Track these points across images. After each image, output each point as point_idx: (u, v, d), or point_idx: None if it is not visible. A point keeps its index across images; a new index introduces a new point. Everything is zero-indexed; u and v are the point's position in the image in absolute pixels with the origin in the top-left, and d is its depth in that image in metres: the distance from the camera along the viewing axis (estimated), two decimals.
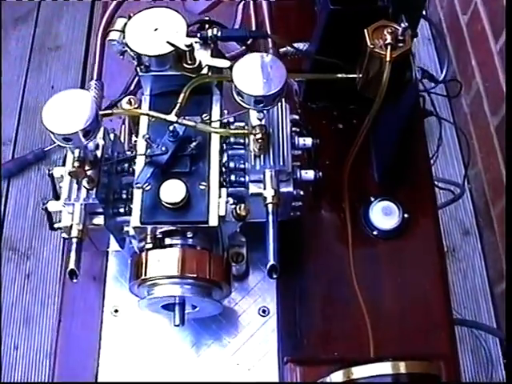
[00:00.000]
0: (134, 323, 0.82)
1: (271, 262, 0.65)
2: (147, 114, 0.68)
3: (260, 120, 0.66)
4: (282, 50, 0.94)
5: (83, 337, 0.83)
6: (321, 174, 0.76)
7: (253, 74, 0.62)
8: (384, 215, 0.89)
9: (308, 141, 0.77)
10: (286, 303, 0.84)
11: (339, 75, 0.75)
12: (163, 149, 0.68)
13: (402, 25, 0.68)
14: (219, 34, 0.74)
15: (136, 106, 0.76)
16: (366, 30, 0.71)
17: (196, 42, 0.73)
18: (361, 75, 0.76)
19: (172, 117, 0.66)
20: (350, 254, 0.85)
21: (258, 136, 0.65)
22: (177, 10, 0.72)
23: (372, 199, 0.90)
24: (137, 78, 0.82)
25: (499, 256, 1.71)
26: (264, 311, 0.83)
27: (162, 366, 0.81)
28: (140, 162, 0.70)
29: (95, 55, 0.79)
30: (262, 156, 0.69)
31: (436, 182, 1.71)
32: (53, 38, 2.20)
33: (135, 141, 0.75)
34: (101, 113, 0.65)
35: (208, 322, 0.81)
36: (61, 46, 2.18)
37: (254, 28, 0.93)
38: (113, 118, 0.85)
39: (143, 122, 0.74)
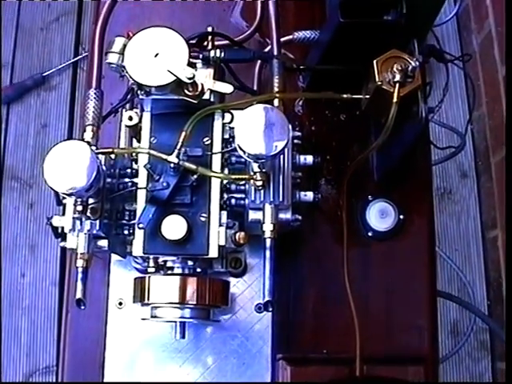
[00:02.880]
0: (138, 316, 0.86)
1: (266, 298, 0.68)
2: (148, 153, 0.68)
3: (260, 168, 0.66)
4: (287, 37, 0.92)
5: (90, 328, 0.88)
6: (320, 195, 0.77)
7: (255, 130, 0.62)
8: (380, 217, 0.91)
9: (309, 158, 0.77)
10: (281, 302, 0.88)
11: (344, 96, 0.74)
12: (164, 184, 0.68)
13: (413, 63, 0.66)
14: (223, 55, 0.72)
15: (137, 121, 0.75)
16: (375, 62, 0.69)
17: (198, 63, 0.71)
18: (367, 96, 0.75)
19: (173, 158, 0.66)
20: (344, 255, 0.88)
21: (259, 183, 0.66)
22: (178, 32, 0.70)
23: (370, 198, 0.92)
24: None
25: (494, 203, 1.74)
26: (260, 308, 0.87)
27: (163, 358, 0.86)
28: (141, 195, 0.71)
29: (92, 62, 0.76)
30: (262, 191, 0.70)
31: (438, 127, 1.71)
32: None
33: (136, 152, 0.75)
34: (100, 151, 0.65)
35: None
36: None
37: (259, 13, 0.90)
38: (112, 121, 0.85)
39: (144, 140, 0.74)
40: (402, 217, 0.91)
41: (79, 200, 0.64)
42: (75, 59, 1.93)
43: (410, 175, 0.93)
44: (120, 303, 0.87)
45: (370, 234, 0.91)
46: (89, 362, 0.87)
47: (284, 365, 0.85)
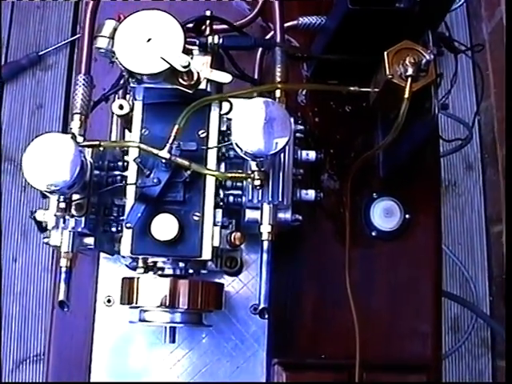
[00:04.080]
0: (128, 316, 0.82)
1: (262, 305, 0.64)
2: (138, 147, 0.63)
3: (258, 166, 0.61)
4: (291, 23, 0.86)
5: (77, 326, 0.84)
6: (322, 194, 0.72)
7: (254, 126, 0.56)
8: (385, 216, 0.86)
9: (312, 154, 0.72)
10: (278, 303, 0.83)
11: (351, 88, 0.69)
12: (155, 180, 0.64)
13: (427, 56, 0.61)
14: (221, 42, 0.67)
15: (128, 111, 0.70)
16: (385, 54, 0.64)
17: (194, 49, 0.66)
18: (376, 90, 0.69)
19: (164, 153, 0.61)
20: (346, 255, 0.83)
21: (257, 183, 0.61)
22: (173, 16, 0.64)
23: (374, 195, 0.87)
24: None
25: (499, 196, 1.69)
26: (255, 309, 0.83)
27: (154, 359, 0.82)
28: (131, 191, 0.66)
29: (82, 45, 0.71)
30: (260, 190, 0.65)
31: (444, 118, 1.66)
32: None
33: (125, 146, 0.70)
34: (86, 144, 0.60)
35: None
36: None
37: None
38: (104, 107, 0.80)
39: (135, 131, 0.69)
40: (407, 216, 0.86)
41: (62, 197, 0.59)
42: (72, 38, 1.87)
43: (418, 172, 0.88)
44: (109, 300, 0.83)
45: (373, 233, 0.86)
46: (74, 362, 0.83)
47: (280, 370, 0.81)
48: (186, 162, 0.62)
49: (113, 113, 0.74)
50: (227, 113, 0.72)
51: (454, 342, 1.63)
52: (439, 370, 0.82)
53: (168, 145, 0.61)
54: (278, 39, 0.70)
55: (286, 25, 0.78)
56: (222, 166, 0.71)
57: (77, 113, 0.69)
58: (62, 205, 0.59)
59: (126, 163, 0.70)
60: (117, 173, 0.70)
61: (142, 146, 0.62)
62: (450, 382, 1.59)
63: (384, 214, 0.86)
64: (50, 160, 0.56)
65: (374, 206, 0.86)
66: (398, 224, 0.86)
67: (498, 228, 1.68)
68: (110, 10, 0.78)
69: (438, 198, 0.88)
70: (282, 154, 0.66)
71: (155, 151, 0.61)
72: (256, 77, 0.82)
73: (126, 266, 0.79)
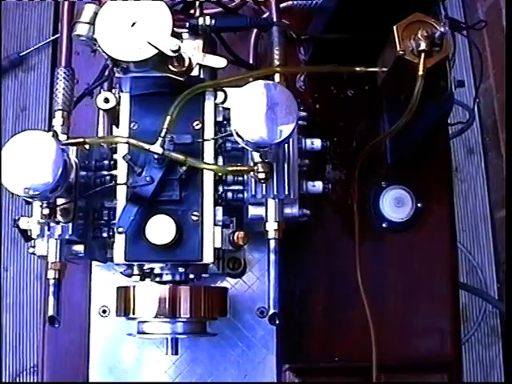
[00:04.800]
0: (126, 326, 0.76)
1: (272, 310, 0.58)
2: (127, 143, 0.57)
3: (262, 158, 0.55)
4: (286, 3, 0.80)
5: (71, 340, 0.78)
6: (330, 185, 0.66)
7: (255, 113, 0.51)
8: (395, 205, 0.81)
9: (317, 143, 0.67)
10: (285, 304, 0.77)
11: (357, 69, 0.63)
12: (148, 179, 0.58)
13: (441, 28, 0.55)
14: (213, 23, 0.61)
15: (114, 104, 0.64)
16: (395, 28, 0.58)
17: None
18: (384, 69, 0.63)
19: (157, 148, 0.55)
20: (356, 251, 0.78)
21: (261, 176, 0.55)
22: None
23: (383, 184, 0.82)
24: None
25: (502, 180, 1.65)
26: (262, 312, 0.77)
27: (155, 373, 0.76)
28: (121, 191, 0.60)
29: (62, 36, 0.65)
30: (264, 183, 0.59)
31: None
32: None
33: (113, 142, 0.64)
34: (69, 142, 0.54)
35: None
36: None
37: None
38: (89, 103, 0.74)
39: (123, 126, 0.63)
40: (419, 205, 0.81)
41: (45, 202, 0.53)
42: (54, 37, 1.80)
43: (427, 157, 0.82)
44: (104, 311, 0.77)
45: (384, 225, 0.81)
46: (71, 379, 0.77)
47: (291, 376, 0.76)
48: (181, 157, 0.56)
49: (98, 108, 0.69)
50: (222, 102, 0.66)
51: (464, 332, 1.59)
52: (460, 367, 0.77)
53: (160, 138, 0.55)
54: (275, 18, 0.64)
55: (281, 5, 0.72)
56: (220, 159, 0.65)
57: (59, 109, 0.64)
58: (46, 211, 0.53)
59: (114, 162, 0.64)
60: (105, 172, 0.64)
61: (132, 141, 0.56)
62: (470, 383, 1.55)
63: (395, 204, 0.81)
64: (29, 161, 0.50)
65: (384, 195, 0.81)
66: (409, 214, 0.81)
67: (503, 213, 1.63)
68: None
69: (450, 185, 0.83)
70: (287, 144, 0.60)
71: (146, 146, 0.56)
72: (251, 61, 0.76)
73: (121, 273, 0.73)
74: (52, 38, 1.81)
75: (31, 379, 1.63)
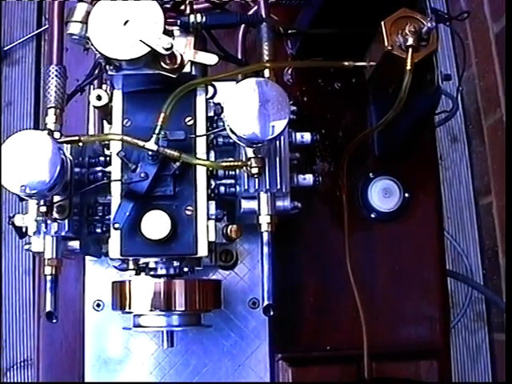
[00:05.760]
0: (119, 320, 0.77)
1: (266, 302, 0.59)
2: (121, 140, 0.58)
3: (255, 153, 0.56)
4: None
5: (65, 334, 0.79)
6: (320, 178, 0.68)
7: (249, 111, 0.52)
8: (383, 196, 0.82)
9: (306, 136, 0.68)
10: (278, 295, 0.79)
11: (346, 63, 0.64)
12: (142, 175, 0.58)
13: (428, 24, 0.57)
14: (204, 21, 0.61)
15: (107, 101, 0.65)
16: (383, 24, 0.59)
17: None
18: (372, 63, 0.65)
19: (151, 145, 0.56)
20: (345, 241, 0.79)
21: (255, 171, 0.56)
22: None
23: (371, 175, 0.83)
24: None
25: (486, 168, 1.67)
26: (254, 303, 0.79)
27: (148, 359, 0.77)
28: (116, 188, 0.61)
29: (52, 34, 0.65)
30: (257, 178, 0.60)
31: None
32: None
33: (108, 140, 0.65)
34: (65, 140, 0.55)
35: None
36: None
37: None
38: (79, 99, 0.75)
39: (116, 123, 0.64)
40: (407, 195, 0.83)
41: (42, 200, 0.54)
42: (38, 31, 1.79)
43: (414, 148, 0.84)
44: (98, 305, 0.78)
45: (372, 215, 0.83)
46: (67, 371, 0.78)
47: (284, 366, 0.77)
48: (175, 153, 0.57)
49: (89, 104, 0.69)
50: (212, 97, 0.67)
51: (451, 318, 1.61)
52: (448, 354, 0.79)
53: (155, 135, 0.56)
54: (263, 14, 0.65)
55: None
56: (212, 154, 0.66)
57: (51, 107, 0.64)
58: (43, 208, 0.54)
59: (107, 158, 0.65)
60: (98, 169, 0.65)
61: (126, 138, 0.57)
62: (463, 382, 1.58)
63: (383, 195, 0.82)
64: (27, 161, 0.51)
65: (372, 186, 0.83)
66: (397, 204, 0.82)
67: (487, 200, 1.66)
68: None
69: (437, 174, 0.84)
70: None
71: (141, 143, 0.56)
72: (239, 56, 0.77)
73: (115, 267, 0.74)
74: (36, 31, 1.80)
75: (21, 373, 1.63)
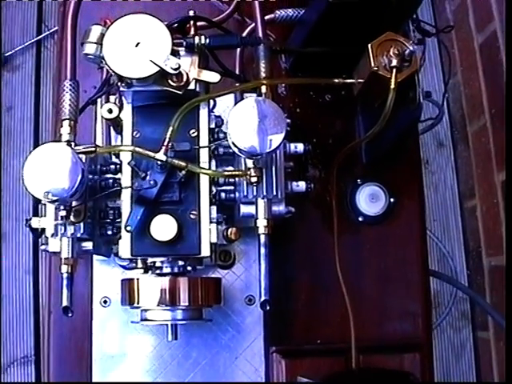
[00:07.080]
0: (124, 315, 0.82)
1: (263, 297, 0.65)
2: (133, 151, 0.64)
3: (255, 164, 0.63)
4: (268, 16, 0.87)
5: (75, 328, 0.84)
6: (312, 185, 0.74)
7: (249, 126, 0.58)
8: (370, 201, 0.88)
9: (300, 147, 0.74)
10: (272, 293, 0.85)
11: (336, 80, 0.71)
12: (152, 182, 0.65)
13: (410, 47, 0.63)
14: (207, 42, 0.67)
15: (117, 114, 0.71)
16: (369, 46, 0.65)
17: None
18: (360, 81, 0.71)
19: (161, 155, 0.62)
20: (335, 242, 0.85)
21: (254, 180, 0.62)
22: (159, 19, 0.65)
23: (359, 182, 0.89)
24: None
25: (471, 172, 1.73)
26: (250, 300, 0.85)
27: (152, 352, 0.83)
28: (126, 194, 0.67)
29: (66, 51, 0.71)
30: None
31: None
32: None
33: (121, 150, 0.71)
34: (83, 150, 0.61)
35: None
36: None
37: None
38: (86, 111, 0.80)
39: (127, 135, 0.70)
40: (392, 200, 0.88)
41: (62, 205, 0.60)
42: (38, 37, 1.84)
43: (399, 156, 0.90)
44: (105, 301, 0.84)
45: (360, 218, 0.88)
46: (76, 360, 0.83)
47: (278, 358, 0.83)
48: (182, 164, 0.63)
49: (96, 116, 0.75)
50: (212, 109, 0.73)
51: (436, 317, 1.68)
52: (430, 347, 0.85)
53: (164, 147, 0.62)
54: (261, 35, 0.71)
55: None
56: (213, 163, 0.72)
57: (66, 118, 0.69)
58: (63, 213, 0.60)
59: (117, 165, 0.71)
60: (109, 176, 0.71)
61: (138, 149, 0.63)
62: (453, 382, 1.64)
63: (369, 199, 0.88)
64: (52, 170, 0.57)
65: (359, 191, 0.88)
66: (383, 208, 0.88)
67: (472, 203, 1.72)
68: (91, 13, 0.78)
69: (420, 180, 0.90)
70: None
71: (152, 154, 0.62)
72: (237, 72, 0.83)
73: (122, 266, 0.80)
74: (36, 38, 1.84)
75: (22, 370, 1.68)
